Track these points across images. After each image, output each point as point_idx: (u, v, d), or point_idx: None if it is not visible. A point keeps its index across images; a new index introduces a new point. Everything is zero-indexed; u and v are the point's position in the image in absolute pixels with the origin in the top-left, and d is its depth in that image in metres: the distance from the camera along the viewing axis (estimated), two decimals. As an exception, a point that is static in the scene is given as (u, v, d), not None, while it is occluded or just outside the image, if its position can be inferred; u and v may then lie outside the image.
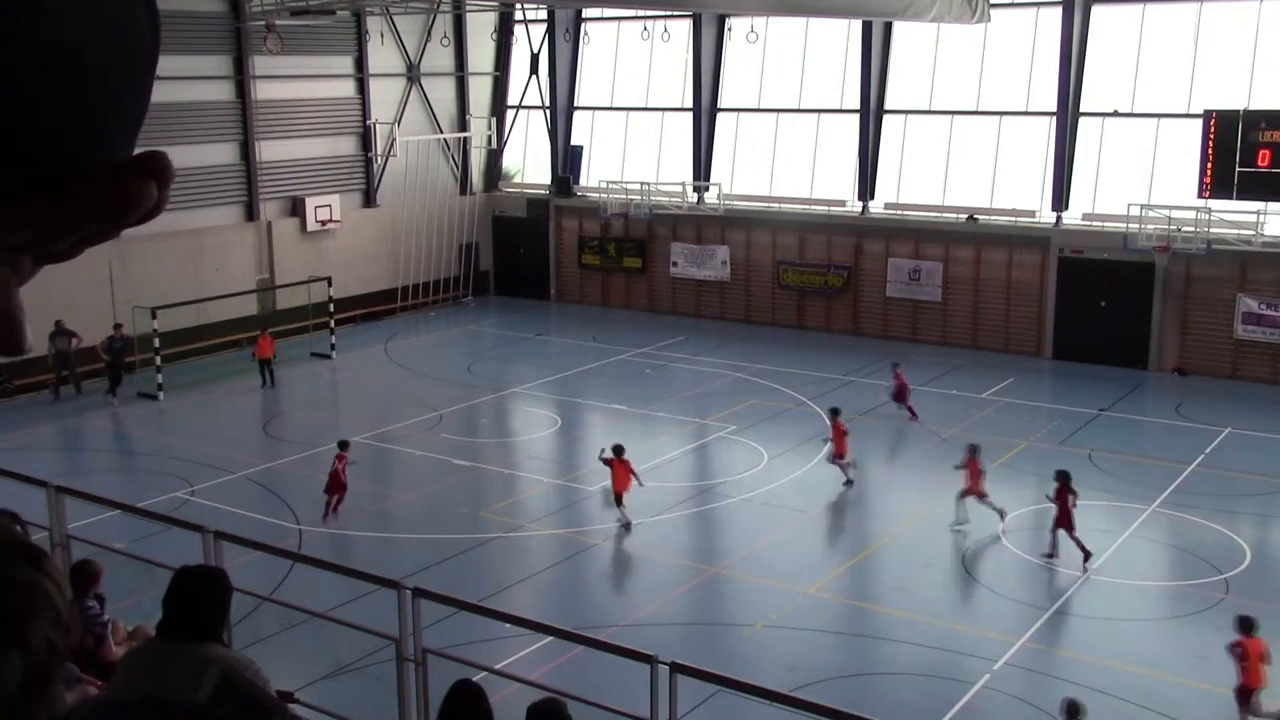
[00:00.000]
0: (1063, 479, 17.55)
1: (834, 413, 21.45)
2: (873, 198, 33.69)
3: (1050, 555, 17.69)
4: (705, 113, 36.32)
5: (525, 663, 13.81)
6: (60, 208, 0.94)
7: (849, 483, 20.97)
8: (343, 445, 20.18)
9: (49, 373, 27.09)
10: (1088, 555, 17.35)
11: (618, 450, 19.17)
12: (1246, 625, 13.27)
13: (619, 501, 19.12)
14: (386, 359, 31.69)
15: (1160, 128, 30.02)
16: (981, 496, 18.65)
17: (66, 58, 0.90)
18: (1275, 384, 27.77)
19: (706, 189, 35.83)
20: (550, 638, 13.01)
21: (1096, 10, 30.78)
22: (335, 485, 19.84)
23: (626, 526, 19.12)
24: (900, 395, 24.99)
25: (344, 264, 34.54)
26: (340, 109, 35.43)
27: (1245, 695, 13.15)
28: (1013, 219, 31.51)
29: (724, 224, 35.21)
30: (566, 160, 38.85)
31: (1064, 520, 17.47)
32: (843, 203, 34.15)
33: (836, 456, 20.98)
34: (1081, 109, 31.03)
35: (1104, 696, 14.03)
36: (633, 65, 37.94)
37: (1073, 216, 30.94)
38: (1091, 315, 29.90)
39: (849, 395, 27.15)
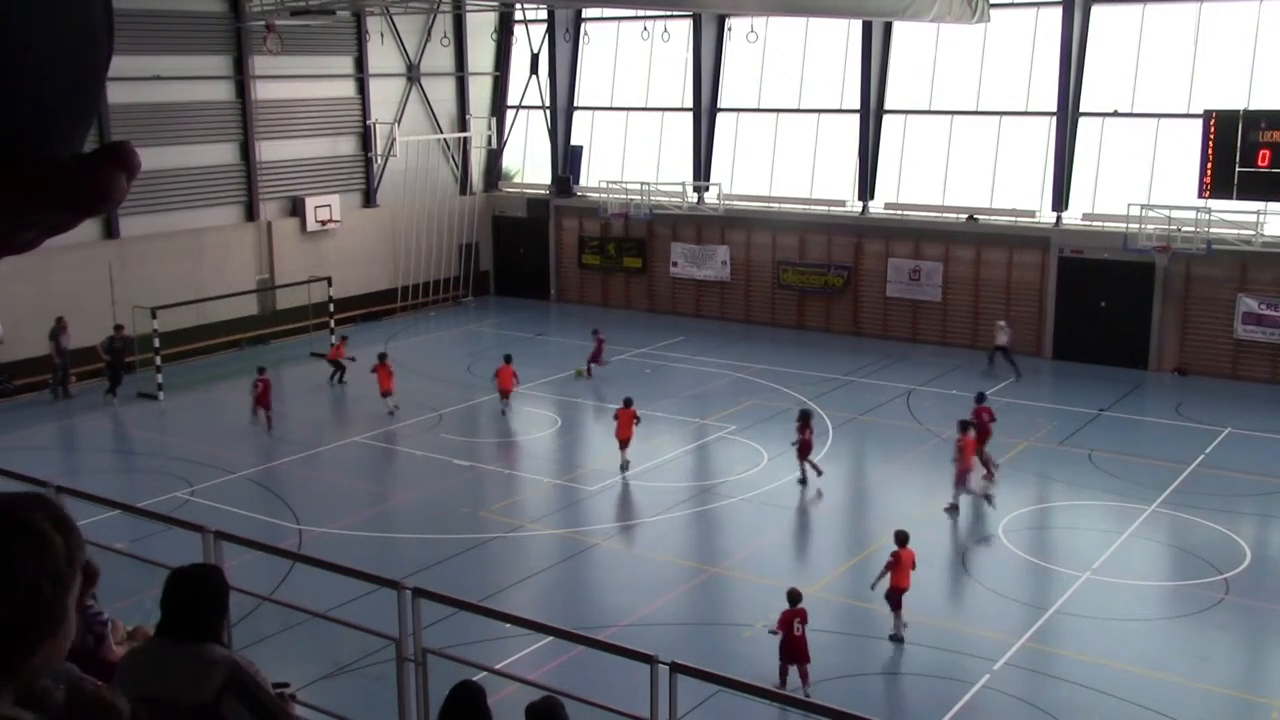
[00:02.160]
0: (804, 418, 21.18)
1: (627, 403, 22.39)
2: (873, 198, 33.68)
3: (803, 482, 20.94)
4: (705, 113, 36.31)
5: (525, 663, 13.82)
6: (31, 199, 0.94)
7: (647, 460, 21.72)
8: (260, 370, 25.22)
9: (50, 371, 27.05)
10: (819, 473, 20.88)
11: (382, 356, 25.84)
12: (902, 538, 15.76)
13: (389, 395, 25.43)
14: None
15: (1160, 128, 30.02)
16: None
17: (33, 52, 0.89)
18: (1275, 384, 27.77)
19: (706, 189, 35.82)
20: (550, 638, 13.01)
21: (1096, 10, 30.78)
22: (261, 402, 24.85)
23: (392, 412, 25.36)
24: (596, 356, 28.97)
25: (344, 264, 34.54)
26: (340, 109, 35.43)
27: (897, 595, 15.30)
28: (1013, 219, 31.51)
29: (724, 224, 35.20)
30: (566, 160, 38.84)
31: (804, 451, 20.87)
32: (843, 203, 34.14)
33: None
34: (1081, 109, 31.02)
35: (1104, 696, 14.04)
36: (633, 65, 37.93)
37: (1073, 216, 30.93)
38: (1091, 315, 29.90)
39: (849, 395, 27.18)
